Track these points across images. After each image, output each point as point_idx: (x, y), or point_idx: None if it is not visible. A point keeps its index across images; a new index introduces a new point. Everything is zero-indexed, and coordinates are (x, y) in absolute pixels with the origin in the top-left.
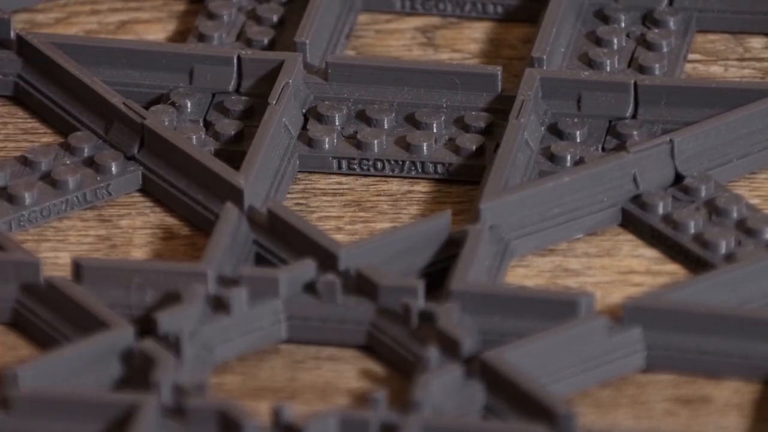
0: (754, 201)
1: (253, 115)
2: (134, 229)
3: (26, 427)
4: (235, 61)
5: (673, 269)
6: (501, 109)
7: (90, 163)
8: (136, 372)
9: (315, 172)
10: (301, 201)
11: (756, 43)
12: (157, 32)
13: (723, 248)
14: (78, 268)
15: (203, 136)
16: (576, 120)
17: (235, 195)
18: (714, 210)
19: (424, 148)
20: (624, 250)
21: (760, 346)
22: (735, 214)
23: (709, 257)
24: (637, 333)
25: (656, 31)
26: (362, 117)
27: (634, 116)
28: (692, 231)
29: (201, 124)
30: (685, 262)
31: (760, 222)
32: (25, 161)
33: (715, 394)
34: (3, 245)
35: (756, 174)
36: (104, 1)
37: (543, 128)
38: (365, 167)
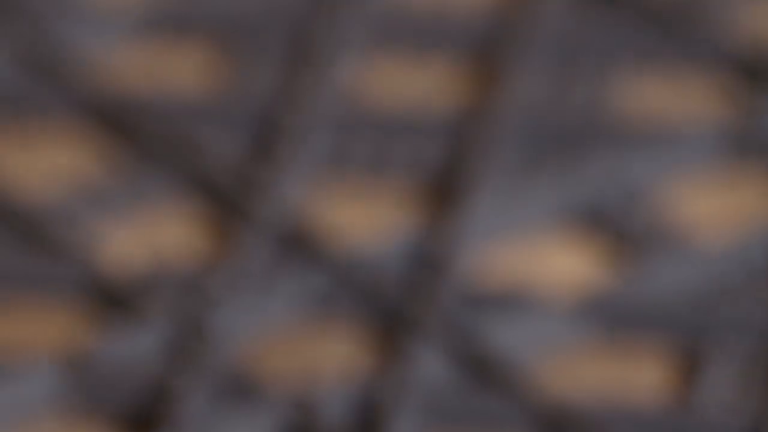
0: (691, 205)
1: None
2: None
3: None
4: None
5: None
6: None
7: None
8: (174, 349)
9: None
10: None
11: None
12: None
13: (665, 245)
14: (121, 264)
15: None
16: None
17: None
18: (658, 212)
19: (394, 151)
20: (577, 248)
21: (690, 330)
22: (675, 216)
23: (652, 253)
24: (587, 319)
25: None
26: None
27: None
28: (638, 230)
29: None
30: (631, 259)
31: (679, 226)
32: None
33: (646, 369)
34: None
35: (693, 181)
36: None
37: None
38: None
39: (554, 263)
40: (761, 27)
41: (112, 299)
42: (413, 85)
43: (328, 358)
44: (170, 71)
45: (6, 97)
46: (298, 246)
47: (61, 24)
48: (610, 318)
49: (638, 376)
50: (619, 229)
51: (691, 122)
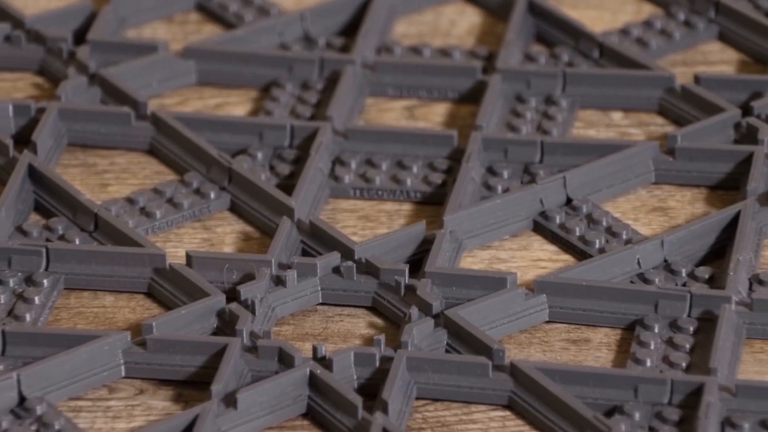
0: (617, 215)
1: (300, 162)
2: (225, 234)
3: (156, 359)
4: (289, 128)
5: (566, 258)
6: (457, 157)
7: (197, 191)
8: (227, 324)
9: (339, 198)
10: (330, 216)
11: (616, 115)
12: (239, 110)
13: (597, 244)
14: (189, 258)
15: (268, 175)
16: (504, 164)
17: (289, 212)
18: (591, 220)
19: (408, 181)
20: (534, 246)
21: (621, 306)
22: (604, 223)
23: (588, 250)
24: (543, 298)
25: (554, 108)
26: (369, 162)
27: (540, 161)
28: (578, 234)
29: (267, 168)
30: (574, 254)
31: (620, 228)
32: (156, 191)
33: (592, 337)
34: (142, 243)
35: (617, 198)
36: (206, 90)
37: (483, 169)
38: (371, 194)
39: (519, 256)
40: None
41: (176, 290)
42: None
43: (343, 329)
44: None
45: None
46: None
47: None
48: (567, 297)
49: (594, 336)
50: (566, 231)
51: (622, 143)
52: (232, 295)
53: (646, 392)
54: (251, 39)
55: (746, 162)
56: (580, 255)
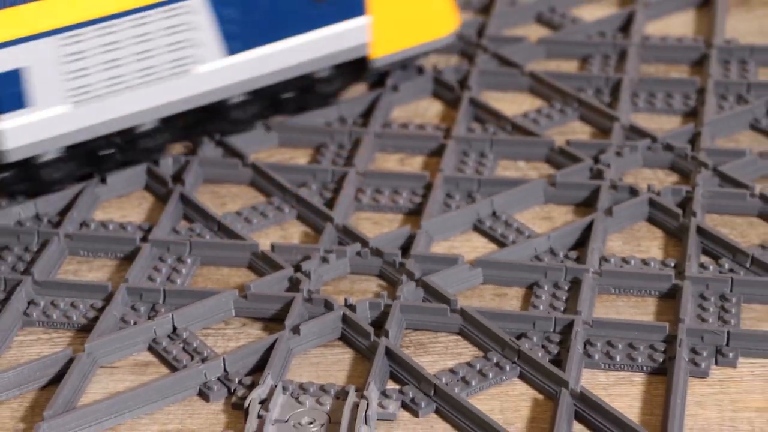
0: (522, 221)
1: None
2: (294, 232)
3: (253, 306)
4: None
5: (493, 247)
6: (428, 187)
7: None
8: (294, 285)
9: (360, 211)
10: (354, 221)
11: (521, 164)
12: None
13: (511, 238)
14: (273, 246)
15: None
16: (456, 192)
17: (330, 219)
18: (507, 224)
19: (401, 201)
20: (474, 239)
21: (525, 275)
22: (515, 226)
23: (505, 242)
24: (479, 270)
25: (485, 159)
26: (377, 191)
27: (477, 191)
28: (499, 232)
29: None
30: (497, 244)
31: (523, 228)
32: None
33: (509, 293)
34: (245, 237)
35: (523, 211)
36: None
37: (444, 195)
38: (379, 209)
39: (465, 245)
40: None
41: (265, 265)
42: None
43: (363, 288)
44: None
45: None
46: (347, 236)
47: None
48: (493, 270)
49: (509, 292)
50: (492, 230)
51: (525, 179)
52: (297, 269)
53: (540, 325)
54: None
55: (596, 191)
56: (501, 245)
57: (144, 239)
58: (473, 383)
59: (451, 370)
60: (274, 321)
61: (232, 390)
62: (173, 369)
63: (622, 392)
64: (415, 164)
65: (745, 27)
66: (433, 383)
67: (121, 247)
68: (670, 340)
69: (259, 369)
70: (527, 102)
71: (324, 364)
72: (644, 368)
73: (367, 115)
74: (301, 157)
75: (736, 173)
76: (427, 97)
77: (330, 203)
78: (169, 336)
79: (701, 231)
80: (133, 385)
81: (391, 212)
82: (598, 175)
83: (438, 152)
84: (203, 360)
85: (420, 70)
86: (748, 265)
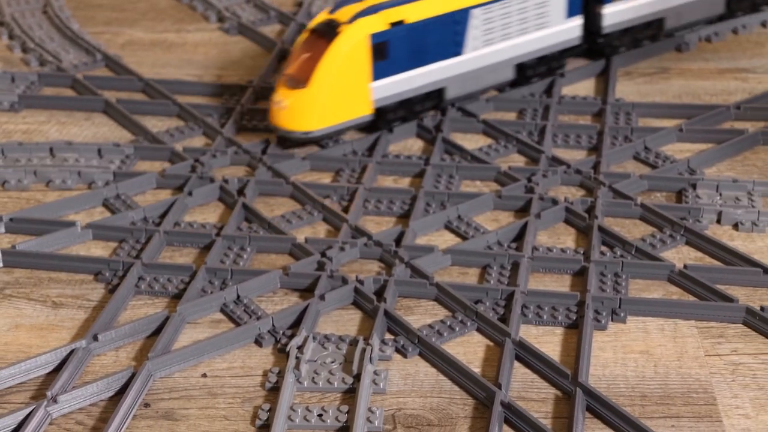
0: (479, 222)
1: (352, 199)
2: (321, 230)
3: (293, 279)
4: None
5: (458, 239)
6: (414, 198)
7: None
8: (320, 266)
9: (365, 215)
10: (362, 222)
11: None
12: None
13: (471, 234)
14: (306, 239)
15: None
16: (432, 202)
17: (345, 220)
18: (468, 224)
19: (394, 208)
20: (446, 235)
21: (469, 259)
22: (473, 225)
23: (466, 236)
24: (449, 256)
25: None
26: (378, 201)
27: (447, 200)
28: (462, 229)
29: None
30: (462, 238)
31: (479, 227)
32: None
33: (469, 271)
34: (286, 233)
35: (478, 215)
36: None
37: (424, 203)
38: (378, 212)
39: (439, 239)
40: None
41: (301, 252)
42: None
43: (368, 268)
44: None
45: None
46: (357, 232)
47: None
48: (458, 255)
49: (469, 271)
50: (458, 228)
51: (480, 193)
52: (323, 255)
53: (491, 294)
54: None
55: (529, 201)
56: (464, 239)
57: (218, 234)
58: (445, 335)
59: (430, 326)
60: (307, 291)
61: (278, 339)
62: (237, 324)
63: (547, 341)
64: (404, 183)
65: (629, 90)
66: (417, 334)
67: (202, 240)
68: (580, 304)
69: (296, 325)
70: (481, 140)
71: (341, 321)
72: (563, 324)
73: (371, 148)
74: (325, 178)
75: (624, 189)
76: (413, 137)
77: (346, 210)
78: (234, 301)
79: (601, 229)
80: (209, 336)
81: (388, 216)
82: (530, 190)
83: (420, 175)
84: (258, 318)
85: (404, 119)
86: (633, 252)
